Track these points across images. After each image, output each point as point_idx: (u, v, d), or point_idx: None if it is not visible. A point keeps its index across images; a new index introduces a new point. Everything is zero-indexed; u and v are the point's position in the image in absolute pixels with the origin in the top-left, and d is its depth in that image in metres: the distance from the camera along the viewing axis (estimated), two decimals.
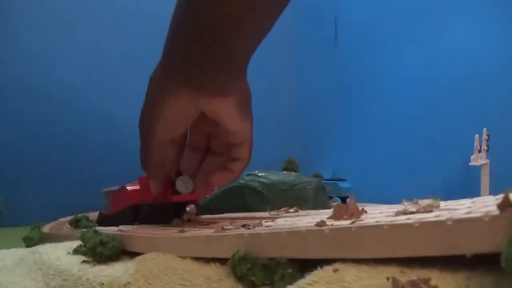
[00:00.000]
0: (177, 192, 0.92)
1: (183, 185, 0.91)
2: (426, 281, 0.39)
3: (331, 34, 2.96)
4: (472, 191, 1.85)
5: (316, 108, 3.17)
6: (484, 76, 2.25)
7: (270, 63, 3.33)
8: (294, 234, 0.54)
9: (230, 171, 0.79)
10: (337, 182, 2.35)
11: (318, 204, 1.42)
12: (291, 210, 0.94)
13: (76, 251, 1.04)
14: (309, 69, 3.31)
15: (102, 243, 0.96)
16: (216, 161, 0.85)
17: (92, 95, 2.82)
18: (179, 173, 0.91)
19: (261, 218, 0.75)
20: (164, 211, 1.00)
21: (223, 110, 0.67)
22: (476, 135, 2.05)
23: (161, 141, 0.73)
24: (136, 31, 2.95)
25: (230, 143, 0.75)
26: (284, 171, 1.82)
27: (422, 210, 0.51)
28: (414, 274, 0.40)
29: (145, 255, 0.81)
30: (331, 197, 2.12)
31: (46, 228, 1.99)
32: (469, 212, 0.40)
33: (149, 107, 0.71)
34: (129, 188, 1.23)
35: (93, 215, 2.04)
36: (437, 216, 0.42)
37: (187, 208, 0.97)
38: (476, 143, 2.02)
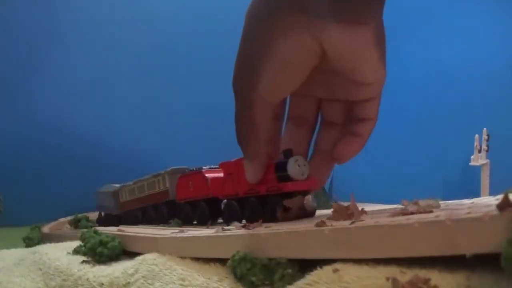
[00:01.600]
0: (286, 179, 0.68)
1: (297, 169, 0.67)
2: (426, 281, 0.39)
3: None
4: (472, 191, 1.85)
5: None
6: (484, 76, 2.25)
7: None
8: (294, 234, 0.54)
9: (358, 135, 0.61)
10: None
11: (318, 204, 1.42)
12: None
13: (76, 251, 1.04)
14: None
15: (102, 243, 0.96)
16: (330, 134, 0.64)
17: (92, 96, 2.82)
18: (288, 153, 0.66)
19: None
20: (270, 206, 0.74)
21: (359, 46, 0.46)
22: (476, 135, 2.05)
23: (270, 101, 0.54)
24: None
25: (358, 99, 0.57)
26: None
27: (422, 210, 0.50)
28: (414, 274, 0.40)
29: (145, 255, 0.81)
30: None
31: (46, 228, 1.99)
32: (469, 212, 0.40)
33: (252, 52, 0.51)
34: (209, 175, 1.02)
35: (93, 215, 2.04)
36: (437, 216, 0.42)
37: (305, 201, 0.71)
38: (476, 143, 2.02)
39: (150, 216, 1.35)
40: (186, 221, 1.11)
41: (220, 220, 1.07)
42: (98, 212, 2.04)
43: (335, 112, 0.63)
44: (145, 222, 1.40)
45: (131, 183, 1.51)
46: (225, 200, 0.92)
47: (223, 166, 0.88)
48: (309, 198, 0.70)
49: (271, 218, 0.74)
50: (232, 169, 0.83)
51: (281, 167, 0.68)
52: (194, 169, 1.10)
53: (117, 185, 1.77)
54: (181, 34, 3.11)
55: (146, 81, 3.03)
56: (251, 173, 0.68)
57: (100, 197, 1.92)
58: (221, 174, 0.91)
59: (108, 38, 2.95)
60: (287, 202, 0.70)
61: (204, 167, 1.06)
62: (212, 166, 1.07)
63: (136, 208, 1.47)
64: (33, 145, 2.55)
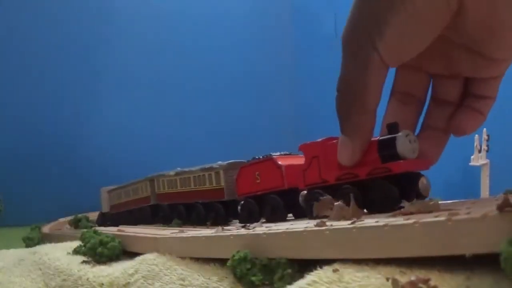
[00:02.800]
0: (394, 157, 0.56)
1: (409, 145, 0.56)
2: (426, 281, 0.39)
3: (331, 32, 2.96)
4: (472, 191, 1.85)
5: (317, 107, 3.16)
6: None
7: (270, 63, 3.34)
8: (294, 234, 0.54)
9: (478, 112, 0.55)
10: None
11: None
12: None
13: (76, 251, 1.04)
14: (309, 69, 3.31)
15: (102, 243, 0.96)
16: (443, 112, 0.58)
17: (92, 97, 2.82)
18: (394, 127, 0.57)
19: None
20: (375, 193, 0.60)
21: (504, 4, 0.39)
22: (476, 135, 2.05)
23: (390, 63, 0.46)
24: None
25: (485, 77, 0.51)
26: None
27: (421, 210, 0.50)
28: (413, 274, 0.40)
29: (145, 255, 0.81)
30: None
31: (46, 228, 1.99)
32: (469, 213, 0.40)
33: (374, 2, 0.44)
34: (282, 162, 0.86)
35: (93, 215, 2.05)
36: (437, 216, 0.42)
37: (419, 184, 0.58)
38: (476, 143, 2.02)
39: (199, 215, 1.17)
40: (249, 220, 0.90)
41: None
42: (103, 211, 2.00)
43: (451, 89, 0.56)
44: (190, 222, 1.22)
45: (171, 172, 1.31)
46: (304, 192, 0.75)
47: (305, 148, 0.73)
48: (423, 180, 0.59)
49: (378, 208, 0.60)
50: (317, 151, 0.69)
51: (387, 144, 0.56)
52: (260, 157, 0.91)
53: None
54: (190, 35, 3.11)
55: (147, 83, 3.03)
56: (349, 153, 0.56)
57: (117, 193, 1.81)
58: (298, 161, 0.80)
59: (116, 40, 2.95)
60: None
61: (273, 154, 0.88)
62: (282, 153, 0.89)
63: (177, 203, 1.28)
64: (33, 146, 2.55)
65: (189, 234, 0.80)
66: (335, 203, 0.59)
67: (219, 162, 1.10)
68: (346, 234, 0.48)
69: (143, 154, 2.80)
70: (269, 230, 0.60)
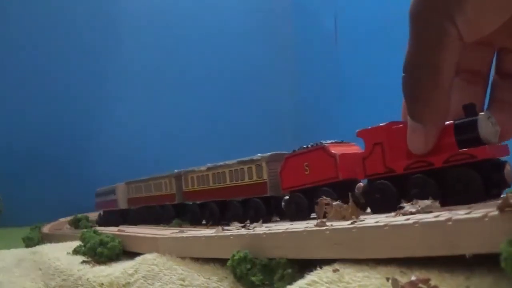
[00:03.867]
0: (475, 142, 0.50)
1: (491, 128, 0.50)
2: (426, 281, 0.39)
3: (331, 33, 2.96)
4: None
5: (317, 107, 3.17)
6: None
7: (270, 63, 3.34)
8: (294, 234, 0.54)
9: None
10: None
11: None
12: None
13: (76, 251, 1.04)
14: (309, 68, 3.31)
15: (102, 243, 0.96)
16: (510, 85, 0.53)
17: (93, 99, 2.82)
18: (471, 109, 0.51)
19: None
20: (455, 183, 0.52)
21: None
22: None
23: (468, 38, 0.42)
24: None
25: None
26: None
27: (421, 210, 0.50)
28: (413, 275, 0.40)
29: (145, 255, 0.81)
30: None
31: (46, 228, 1.99)
32: (469, 213, 0.40)
33: None
34: (335, 150, 0.75)
35: (93, 215, 2.05)
36: (437, 216, 0.42)
37: (505, 172, 0.51)
38: None
39: (236, 213, 1.04)
40: (297, 217, 0.82)
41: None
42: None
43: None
44: (225, 221, 1.08)
45: (202, 168, 1.20)
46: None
47: (366, 134, 0.65)
48: (508, 167, 0.53)
49: (458, 200, 0.52)
50: (381, 136, 0.62)
51: (467, 127, 0.50)
52: (309, 146, 0.81)
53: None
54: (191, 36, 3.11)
55: (146, 84, 3.03)
56: (421, 140, 0.50)
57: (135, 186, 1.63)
58: (352, 149, 0.74)
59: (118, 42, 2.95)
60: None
61: (324, 142, 0.79)
62: (333, 140, 0.80)
63: (208, 201, 1.17)
64: (33, 146, 2.55)
65: (189, 234, 0.80)
66: (334, 203, 0.59)
67: (259, 155, 1.00)
68: (346, 234, 0.48)
69: (143, 154, 2.80)
70: (269, 230, 0.60)
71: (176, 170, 1.38)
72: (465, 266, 0.40)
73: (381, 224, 0.44)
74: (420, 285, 0.38)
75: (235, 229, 0.71)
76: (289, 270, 0.53)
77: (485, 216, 0.35)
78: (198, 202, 1.25)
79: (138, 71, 2.89)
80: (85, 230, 1.14)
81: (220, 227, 0.76)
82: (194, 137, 2.90)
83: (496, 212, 0.35)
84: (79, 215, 1.99)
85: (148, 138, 2.85)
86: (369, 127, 0.66)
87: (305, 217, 0.81)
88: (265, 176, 0.96)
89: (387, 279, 0.41)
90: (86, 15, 2.75)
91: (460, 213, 0.39)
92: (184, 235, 0.80)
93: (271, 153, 0.98)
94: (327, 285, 0.45)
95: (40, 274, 0.98)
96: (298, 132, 3.12)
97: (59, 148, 2.55)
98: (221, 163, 1.12)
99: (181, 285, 0.63)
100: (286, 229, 0.56)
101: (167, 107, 2.99)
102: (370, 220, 0.50)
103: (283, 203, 0.88)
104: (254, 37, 3.19)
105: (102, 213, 1.97)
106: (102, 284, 0.75)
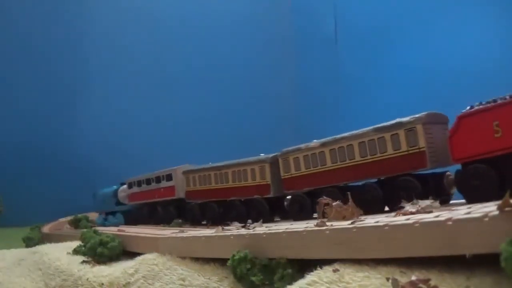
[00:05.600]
0: None
1: None
2: (426, 281, 0.39)
3: (331, 33, 2.96)
4: None
5: (317, 107, 3.16)
6: (484, 74, 2.25)
7: (271, 64, 3.34)
8: (294, 234, 0.54)
9: None
10: None
11: None
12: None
13: (76, 251, 1.04)
14: (309, 69, 3.31)
15: (102, 243, 0.96)
16: None
17: (93, 99, 2.82)
18: None
19: None
20: None
21: None
22: None
23: None
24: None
25: None
26: None
27: (422, 210, 0.50)
28: (413, 275, 0.40)
29: (145, 255, 0.81)
30: None
31: (46, 228, 1.99)
32: (469, 213, 0.40)
33: None
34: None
35: (93, 215, 2.05)
36: (437, 216, 0.42)
37: None
38: None
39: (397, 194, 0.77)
40: (487, 196, 0.59)
41: None
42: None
43: None
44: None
45: (314, 143, 0.94)
46: None
47: None
48: None
49: None
50: None
51: None
52: (498, 99, 0.62)
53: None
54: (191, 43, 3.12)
55: (146, 84, 3.03)
56: None
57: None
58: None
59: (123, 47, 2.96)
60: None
61: None
62: None
63: (325, 186, 0.90)
64: (33, 146, 2.55)
65: (189, 234, 0.80)
66: (334, 203, 0.59)
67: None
68: (346, 234, 0.48)
69: (143, 154, 2.80)
70: (269, 230, 0.60)
71: (262, 155, 1.11)
72: (465, 266, 0.40)
73: (381, 224, 0.44)
74: (420, 285, 0.38)
75: (235, 229, 0.71)
76: (289, 270, 0.53)
77: (485, 216, 0.35)
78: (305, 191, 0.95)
79: (138, 71, 2.89)
80: (85, 230, 1.14)
81: (220, 227, 0.76)
82: (194, 137, 2.89)
83: (496, 212, 0.35)
84: (79, 215, 1.99)
85: (148, 138, 2.84)
86: None
87: (494, 195, 0.56)
88: (421, 142, 0.73)
89: (387, 279, 0.41)
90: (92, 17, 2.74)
91: (460, 213, 0.40)
92: (184, 235, 0.80)
93: (427, 112, 0.82)
94: (327, 285, 0.46)
95: (40, 274, 0.98)
96: (298, 131, 3.12)
97: (59, 148, 2.55)
98: (347, 134, 0.86)
99: (181, 285, 0.64)
100: (286, 229, 0.56)
101: (167, 107, 2.99)
102: (370, 220, 0.50)
103: (455, 177, 0.66)
104: (254, 37, 3.19)
105: (138, 207, 1.66)
106: (102, 284, 0.75)
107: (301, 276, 0.51)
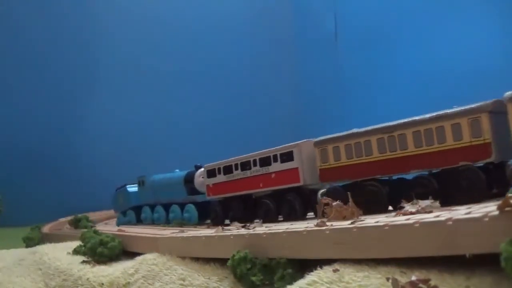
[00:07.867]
0: None
1: None
2: (426, 281, 0.39)
3: (331, 32, 2.96)
4: None
5: (317, 106, 3.16)
6: (484, 74, 2.25)
7: (271, 63, 3.34)
8: (294, 234, 0.54)
9: None
10: None
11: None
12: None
13: (76, 251, 1.04)
14: (309, 68, 3.31)
15: (102, 243, 0.96)
16: None
17: (93, 99, 2.83)
18: None
19: None
20: None
21: None
22: None
23: None
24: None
25: None
26: None
27: (422, 210, 0.50)
28: (413, 275, 0.40)
29: (145, 255, 0.81)
30: None
31: (46, 228, 1.99)
32: (469, 213, 0.40)
33: None
34: None
35: (93, 215, 2.05)
36: (437, 216, 0.42)
37: None
38: None
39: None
40: None
41: None
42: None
43: None
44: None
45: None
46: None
47: None
48: None
49: None
50: None
51: None
52: None
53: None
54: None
55: (146, 84, 3.03)
56: None
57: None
58: None
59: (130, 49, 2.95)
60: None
61: None
62: None
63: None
64: (33, 146, 2.54)
65: (189, 234, 0.80)
66: (334, 203, 0.59)
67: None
68: (346, 234, 0.48)
69: (143, 154, 2.80)
70: (269, 230, 0.60)
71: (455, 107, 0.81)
72: (465, 266, 0.40)
73: (381, 224, 0.44)
74: (420, 285, 0.38)
75: (235, 229, 0.71)
76: (289, 270, 0.53)
77: (485, 216, 0.35)
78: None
79: (139, 72, 2.88)
80: (85, 230, 1.14)
81: (220, 227, 0.76)
82: (194, 137, 2.89)
83: (496, 212, 0.35)
84: (79, 215, 1.99)
85: (148, 138, 2.84)
86: None
87: None
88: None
89: (387, 279, 0.41)
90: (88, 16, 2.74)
91: (460, 213, 0.40)
92: (184, 235, 0.80)
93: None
94: (327, 285, 0.45)
95: (40, 274, 0.98)
96: (298, 131, 3.12)
97: (59, 148, 2.55)
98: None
99: (181, 285, 0.63)
100: (286, 229, 0.56)
101: (167, 107, 2.98)
102: (370, 220, 0.50)
103: None
104: (254, 37, 3.19)
105: (220, 202, 1.29)
106: (102, 284, 0.75)
107: (301, 276, 0.51)
